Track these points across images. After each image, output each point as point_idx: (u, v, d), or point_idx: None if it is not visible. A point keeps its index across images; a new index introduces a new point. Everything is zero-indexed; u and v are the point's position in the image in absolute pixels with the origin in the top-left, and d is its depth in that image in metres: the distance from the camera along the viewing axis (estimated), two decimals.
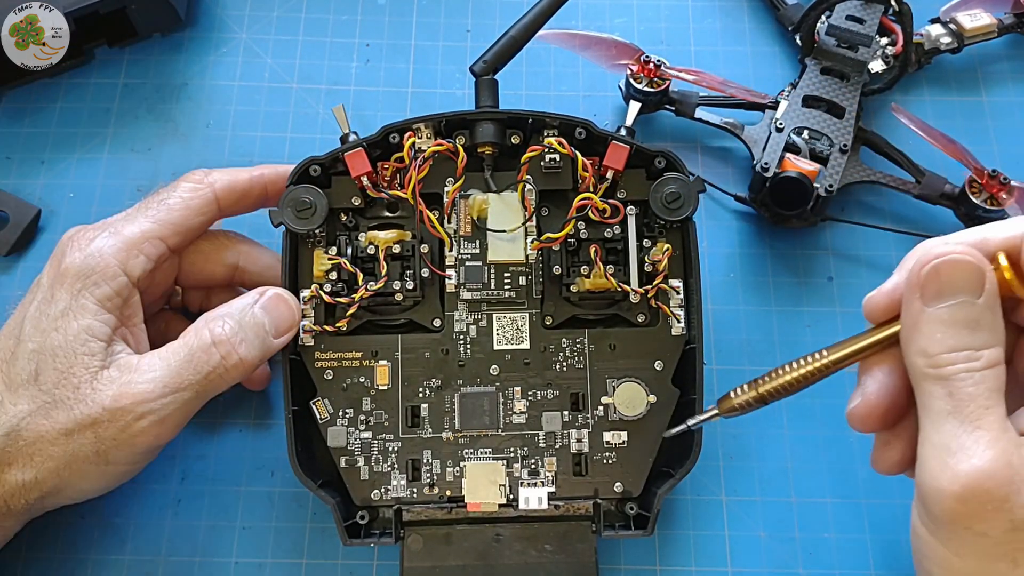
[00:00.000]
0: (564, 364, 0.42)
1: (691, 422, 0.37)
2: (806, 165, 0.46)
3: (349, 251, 0.41)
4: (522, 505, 0.40)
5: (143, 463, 0.39)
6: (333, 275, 0.41)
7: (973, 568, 0.28)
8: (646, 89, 0.49)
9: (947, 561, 0.29)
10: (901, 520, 0.43)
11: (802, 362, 0.32)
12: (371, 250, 0.41)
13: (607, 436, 0.41)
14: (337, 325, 0.41)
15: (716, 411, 0.35)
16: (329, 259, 0.41)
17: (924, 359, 0.29)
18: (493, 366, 0.41)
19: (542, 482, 0.41)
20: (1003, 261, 0.28)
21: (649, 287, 0.41)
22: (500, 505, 0.40)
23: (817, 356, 0.32)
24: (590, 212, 0.40)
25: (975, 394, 0.27)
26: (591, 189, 0.41)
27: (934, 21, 0.53)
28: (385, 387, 0.41)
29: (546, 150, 0.41)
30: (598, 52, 0.52)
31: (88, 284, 0.37)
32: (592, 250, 0.41)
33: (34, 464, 0.36)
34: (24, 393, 0.36)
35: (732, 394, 0.34)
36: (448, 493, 0.41)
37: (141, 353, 0.37)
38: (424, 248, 0.41)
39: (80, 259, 0.37)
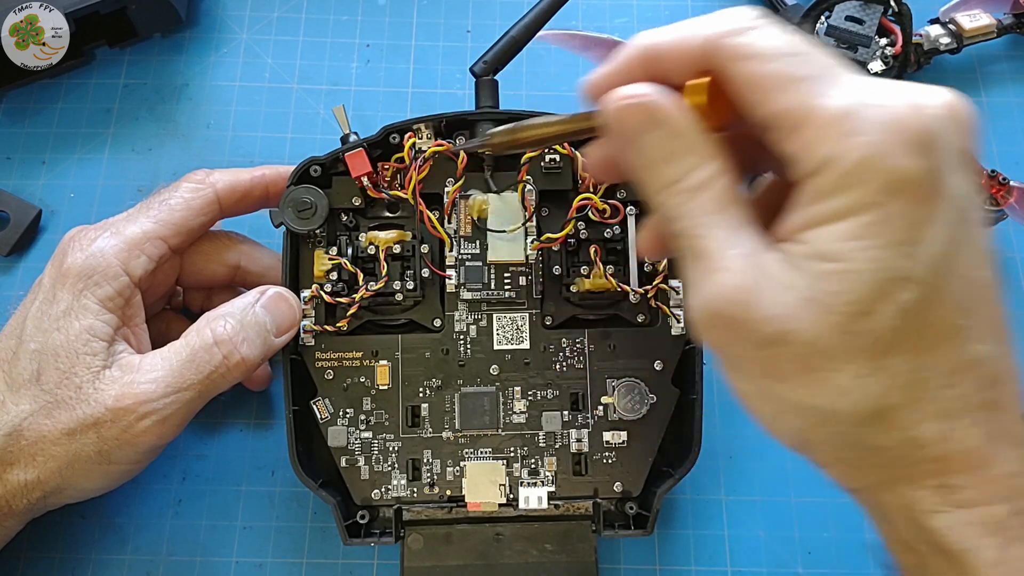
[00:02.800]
0: (564, 364, 0.42)
1: (461, 146, 0.38)
2: None
3: (349, 251, 0.41)
4: (522, 505, 0.40)
5: (145, 462, 0.39)
6: (333, 275, 0.41)
7: (753, 388, 0.28)
8: None
9: (736, 382, 0.28)
10: None
11: (546, 120, 0.32)
12: (371, 250, 0.41)
13: (607, 436, 0.41)
14: (338, 325, 0.41)
15: (479, 142, 0.36)
16: (329, 259, 0.41)
17: (653, 206, 0.28)
18: (493, 366, 0.41)
19: (542, 482, 0.41)
20: (695, 82, 0.26)
21: (649, 287, 0.41)
22: (500, 505, 0.40)
23: (556, 118, 0.32)
24: (590, 212, 0.40)
25: (688, 227, 0.26)
26: (591, 189, 0.41)
27: (933, 22, 0.53)
28: (385, 387, 0.41)
29: (546, 150, 0.41)
30: (598, 52, 0.52)
31: (90, 284, 0.37)
32: (592, 250, 0.41)
33: (36, 464, 0.36)
34: (26, 393, 0.36)
35: (496, 131, 0.34)
36: (448, 493, 0.41)
37: (143, 353, 0.37)
38: (424, 248, 0.41)
39: (82, 259, 0.37)
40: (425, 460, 0.41)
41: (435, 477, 0.41)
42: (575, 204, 0.40)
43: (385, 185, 0.42)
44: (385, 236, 0.41)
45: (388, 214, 0.43)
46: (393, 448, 0.41)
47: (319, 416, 0.41)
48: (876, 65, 0.51)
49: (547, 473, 0.41)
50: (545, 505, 0.40)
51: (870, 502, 0.28)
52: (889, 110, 0.24)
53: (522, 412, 0.41)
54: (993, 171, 0.47)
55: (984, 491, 0.25)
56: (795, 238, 0.25)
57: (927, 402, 0.25)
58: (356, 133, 0.42)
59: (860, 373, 0.25)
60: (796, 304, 0.24)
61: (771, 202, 0.28)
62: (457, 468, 0.41)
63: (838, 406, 0.25)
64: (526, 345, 0.42)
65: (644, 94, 0.27)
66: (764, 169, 0.31)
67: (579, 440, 0.41)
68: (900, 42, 0.51)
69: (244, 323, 0.38)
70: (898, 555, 0.28)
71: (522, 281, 0.42)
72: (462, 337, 0.42)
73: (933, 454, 0.25)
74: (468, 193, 0.42)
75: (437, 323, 0.42)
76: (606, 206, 0.40)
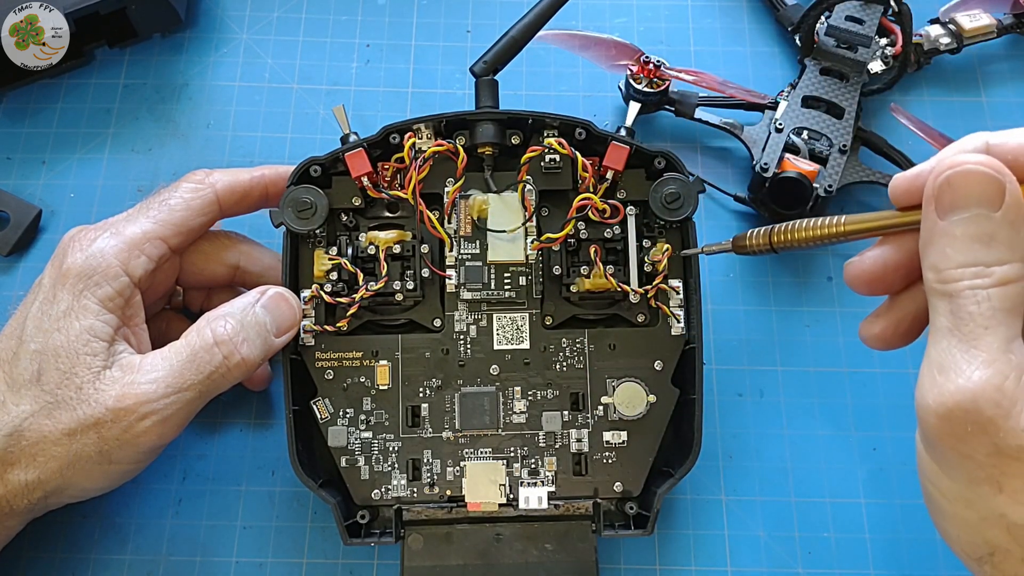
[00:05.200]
0: (564, 364, 0.42)
1: (704, 248, 0.37)
2: (805, 165, 0.46)
3: (349, 251, 0.41)
4: (522, 505, 0.40)
5: (146, 462, 0.39)
6: (333, 275, 0.41)
7: (960, 489, 0.28)
8: (646, 89, 0.49)
9: (937, 478, 0.29)
10: (901, 520, 0.43)
11: (819, 222, 0.32)
12: (371, 250, 0.41)
13: (607, 436, 0.41)
14: (338, 325, 0.41)
15: (730, 246, 0.35)
16: (329, 259, 0.41)
17: (934, 274, 0.27)
18: (493, 366, 0.41)
19: (542, 482, 0.41)
20: None
21: (649, 287, 0.41)
22: (500, 505, 0.40)
23: (835, 221, 0.31)
24: (590, 212, 0.40)
25: (976, 312, 0.26)
26: (591, 189, 0.41)
27: (933, 21, 0.53)
28: (385, 387, 0.41)
29: (546, 150, 0.41)
30: (598, 52, 0.52)
31: (90, 284, 0.37)
32: (592, 250, 0.41)
33: (37, 464, 0.36)
34: (27, 393, 0.36)
35: (748, 234, 0.34)
36: (448, 493, 0.41)
37: (143, 353, 0.37)
38: (424, 248, 0.42)
39: (82, 259, 0.37)
40: (425, 460, 0.41)
41: (435, 477, 0.41)
42: (575, 204, 0.40)
43: (385, 185, 0.42)
44: (385, 236, 0.41)
45: (388, 214, 0.43)
46: (393, 448, 0.41)
47: (319, 416, 0.41)
48: (876, 65, 0.51)
49: (547, 473, 0.41)
50: (545, 505, 0.40)
51: None
52: None
53: (522, 412, 0.41)
54: None
55: None
56: None
57: None
58: (356, 133, 0.42)
59: None
60: None
61: None
62: (457, 468, 0.41)
63: None
64: (526, 345, 0.42)
65: (999, 169, 0.27)
66: None
67: (579, 440, 0.41)
68: (900, 42, 0.51)
69: (244, 323, 0.38)
70: None
71: (522, 281, 0.42)
72: (462, 337, 0.42)
73: None
74: (468, 193, 0.42)
75: (437, 323, 0.42)
76: (606, 206, 0.40)
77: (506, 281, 0.42)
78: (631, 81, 0.49)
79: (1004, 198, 0.26)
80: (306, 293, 0.41)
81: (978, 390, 0.25)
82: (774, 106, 0.50)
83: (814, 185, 0.45)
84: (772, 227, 0.34)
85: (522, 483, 0.41)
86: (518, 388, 0.41)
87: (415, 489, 0.41)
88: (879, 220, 0.30)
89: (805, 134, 0.48)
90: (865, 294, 0.32)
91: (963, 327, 0.26)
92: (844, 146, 0.47)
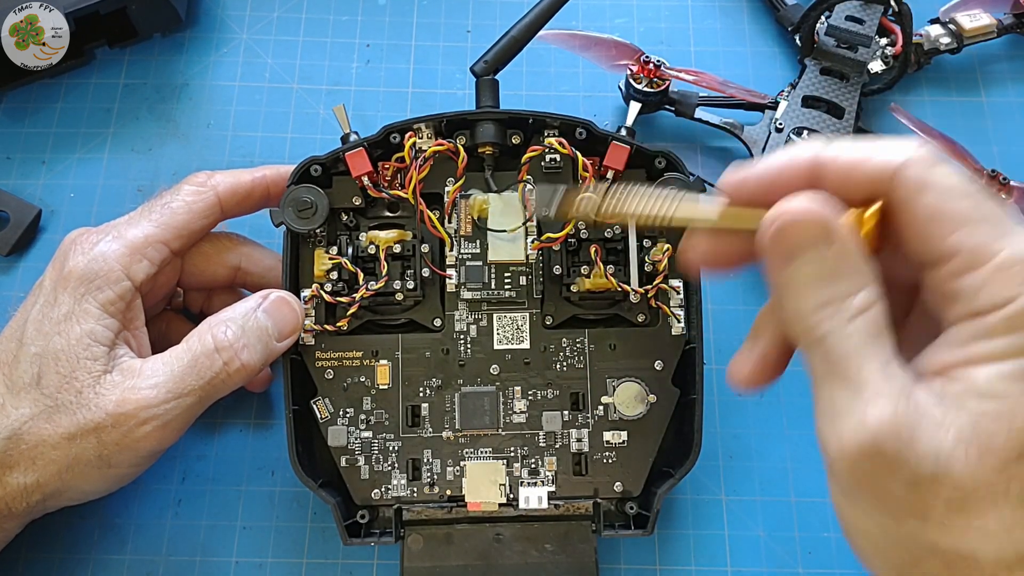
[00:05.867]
0: (564, 364, 0.42)
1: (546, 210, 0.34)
2: None
3: (350, 251, 0.41)
4: (522, 505, 0.40)
5: (145, 466, 0.39)
6: (334, 275, 0.41)
7: (886, 529, 0.27)
8: (646, 89, 0.49)
9: (863, 525, 0.27)
10: None
11: (651, 203, 0.29)
12: (372, 250, 0.41)
13: (607, 436, 0.41)
14: (338, 325, 0.41)
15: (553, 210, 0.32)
16: (330, 259, 0.41)
17: (796, 325, 0.27)
18: (493, 366, 0.41)
19: (542, 482, 0.41)
20: (875, 208, 0.26)
21: (649, 287, 0.41)
22: (500, 505, 0.40)
23: (664, 209, 0.29)
24: None
25: (847, 350, 0.26)
26: (591, 189, 0.41)
27: (933, 21, 0.53)
28: (385, 387, 0.41)
29: (546, 150, 0.41)
30: (598, 52, 0.52)
31: (91, 288, 0.37)
32: (592, 250, 0.41)
33: (36, 467, 0.36)
34: (26, 397, 0.36)
35: (577, 200, 0.31)
36: (448, 492, 0.41)
37: (143, 356, 0.37)
38: (425, 248, 0.41)
39: (84, 263, 0.37)
40: (425, 460, 0.41)
41: (435, 477, 0.41)
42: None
43: (385, 185, 0.42)
44: (385, 236, 0.41)
45: (388, 214, 0.43)
46: (393, 448, 0.41)
47: (319, 416, 0.41)
48: (876, 65, 0.51)
49: (547, 473, 0.41)
50: (545, 505, 0.40)
51: None
52: None
53: (522, 412, 0.41)
54: (993, 171, 0.47)
55: None
56: (948, 375, 0.25)
57: None
58: (356, 133, 0.42)
59: (1011, 517, 0.24)
60: (953, 443, 0.24)
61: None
62: (457, 468, 0.41)
63: (983, 550, 0.25)
64: (526, 345, 0.42)
65: (817, 210, 0.26)
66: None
67: (579, 440, 0.41)
68: (900, 42, 0.51)
69: (245, 329, 0.38)
70: None
71: (522, 281, 0.42)
72: (462, 337, 0.42)
73: None
74: (468, 193, 0.42)
75: (437, 323, 0.42)
76: None
77: (506, 281, 0.42)
78: (631, 81, 0.49)
79: (834, 234, 0.26)
80: (306, 293, 0.41)
81: (875, 427, 0.25)
82: (774, 106, 0.50)
83: None
84: (605, 194, 0.30)
85: (522, 483, 0.41)
86: (518, 388, 0.41)
87: (415, 489, 0.41)
88: (709, 218, 0.29)
89: (805, 134, 0.48)
90: (697, 276, 0.36)
91: (837, 369, 0.26)
92: None
